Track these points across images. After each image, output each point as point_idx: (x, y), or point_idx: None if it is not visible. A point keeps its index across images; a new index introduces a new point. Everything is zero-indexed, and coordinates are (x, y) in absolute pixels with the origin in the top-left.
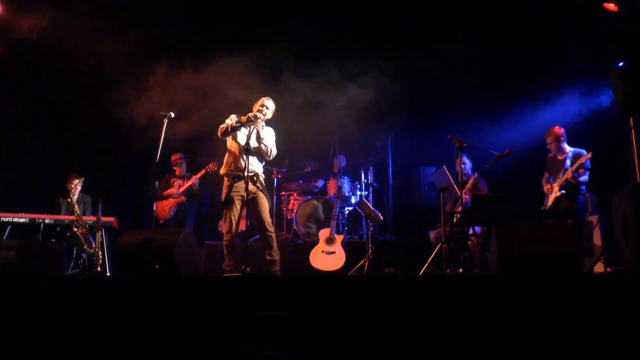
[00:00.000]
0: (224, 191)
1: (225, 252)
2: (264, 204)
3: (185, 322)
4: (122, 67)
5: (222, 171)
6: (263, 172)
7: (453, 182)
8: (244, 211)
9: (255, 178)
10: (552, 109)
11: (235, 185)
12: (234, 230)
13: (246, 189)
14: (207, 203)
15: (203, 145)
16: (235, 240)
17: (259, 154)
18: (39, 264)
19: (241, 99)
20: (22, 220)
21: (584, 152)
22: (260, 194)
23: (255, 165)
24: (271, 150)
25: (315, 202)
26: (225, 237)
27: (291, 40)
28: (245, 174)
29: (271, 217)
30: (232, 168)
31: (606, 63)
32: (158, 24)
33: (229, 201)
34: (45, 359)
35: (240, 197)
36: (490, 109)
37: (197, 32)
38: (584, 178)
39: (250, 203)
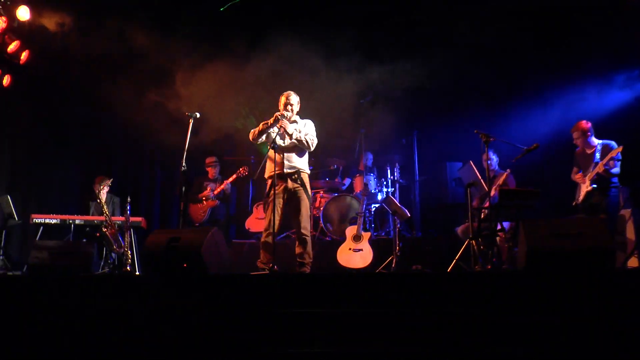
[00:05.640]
0: (266, 191)
1: (261, 249)
2: (302, 204)
3: (213, 319)
4: (150, 69)
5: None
6: (307, 166)
7: (480, 177)
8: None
9: (295, 176)
10: (583, 100)
11: (277, 183)
12: (270, 228)
13: (272, 187)
14: (234, 203)
15: (231, 146)
16: (272, 238)
17: (297, 149)
18: (70, 264)
19: (265, 96)
20: (54, 221)
21: (614, 143)
22: (300, 192)
23: (295, 162)
24: (308, 141)
25: (341, 199)
26: (263, 235)
27: (316, 39)
28: (281, 172)
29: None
30: (271, 168)
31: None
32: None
33: (268, 200)
34: (79, 358)
35: (278, 196)
36: (519, 102)
37: (216, 32)
38: (616, 170)
39: (288, 201)
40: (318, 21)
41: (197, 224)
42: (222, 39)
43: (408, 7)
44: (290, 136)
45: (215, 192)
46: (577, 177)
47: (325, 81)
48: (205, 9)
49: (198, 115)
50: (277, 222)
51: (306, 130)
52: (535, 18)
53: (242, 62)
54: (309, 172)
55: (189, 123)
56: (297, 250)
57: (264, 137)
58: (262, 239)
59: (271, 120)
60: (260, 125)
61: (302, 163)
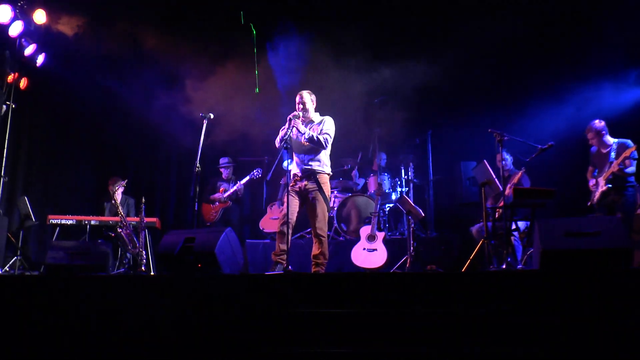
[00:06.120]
0: (280, 193)
1: (276, 239)
2: (317, 204)
3: (227, 319)
4: (161, 70)
5: None
6: (327, 166)
7: (494, 176)
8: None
9: (311, 177)
10: (598, 98)
11: (292, 182)
12: (286, 219)
13: (286, 188)
14: (248, 203)
15: (246, 146)
16: (287, 229)
17: (313, 150)
18: (86, 264)
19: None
20: (70, 222)
21: (629, 142)
22: (315, 194)
23: (311, 164)
24: (320, 139)
25: (355, 199)
26: (278, 224)
27: (329, 37)
28: (296, 173)
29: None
30: (290, 169)
31: None
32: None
33: (287, 194)
34: (93, 358)
35: (294, 192)
36: (533, 100)
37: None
38: (631, 169)
39: (304, 202)
40: (330, 20)
41: (208, 224)
42: (234, 39)
43: (421, 5)
44: (303, 135)
45: (228, 194)
46: (591, 184)
47: (338, 81)
48: (215, 9)
49: (212, 116)
50: (293, 219)
51: (321, 127)
52: (549, 14)
53: (253, 62)
54: (329, 172)
55: (202, 124)
56: (315, 250)
57: (285, 142)
58: (278, 229)
59: (286, 125)
60: (280, 132)
61: (318, 164)
